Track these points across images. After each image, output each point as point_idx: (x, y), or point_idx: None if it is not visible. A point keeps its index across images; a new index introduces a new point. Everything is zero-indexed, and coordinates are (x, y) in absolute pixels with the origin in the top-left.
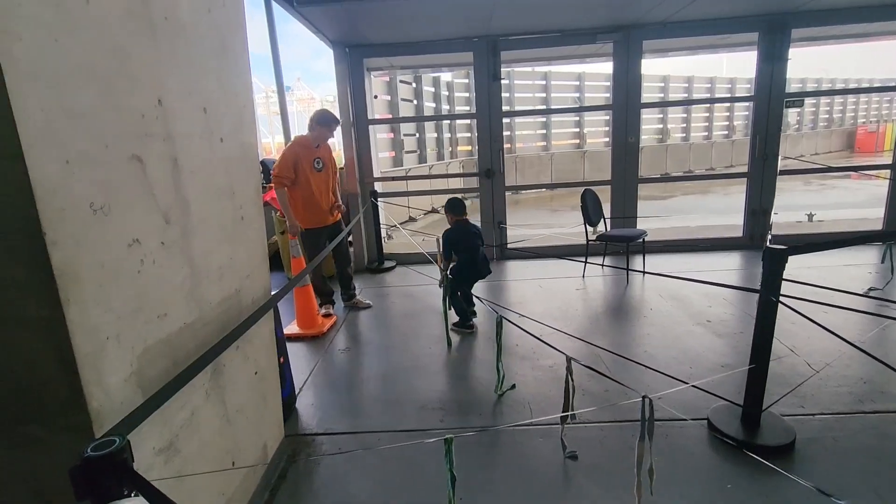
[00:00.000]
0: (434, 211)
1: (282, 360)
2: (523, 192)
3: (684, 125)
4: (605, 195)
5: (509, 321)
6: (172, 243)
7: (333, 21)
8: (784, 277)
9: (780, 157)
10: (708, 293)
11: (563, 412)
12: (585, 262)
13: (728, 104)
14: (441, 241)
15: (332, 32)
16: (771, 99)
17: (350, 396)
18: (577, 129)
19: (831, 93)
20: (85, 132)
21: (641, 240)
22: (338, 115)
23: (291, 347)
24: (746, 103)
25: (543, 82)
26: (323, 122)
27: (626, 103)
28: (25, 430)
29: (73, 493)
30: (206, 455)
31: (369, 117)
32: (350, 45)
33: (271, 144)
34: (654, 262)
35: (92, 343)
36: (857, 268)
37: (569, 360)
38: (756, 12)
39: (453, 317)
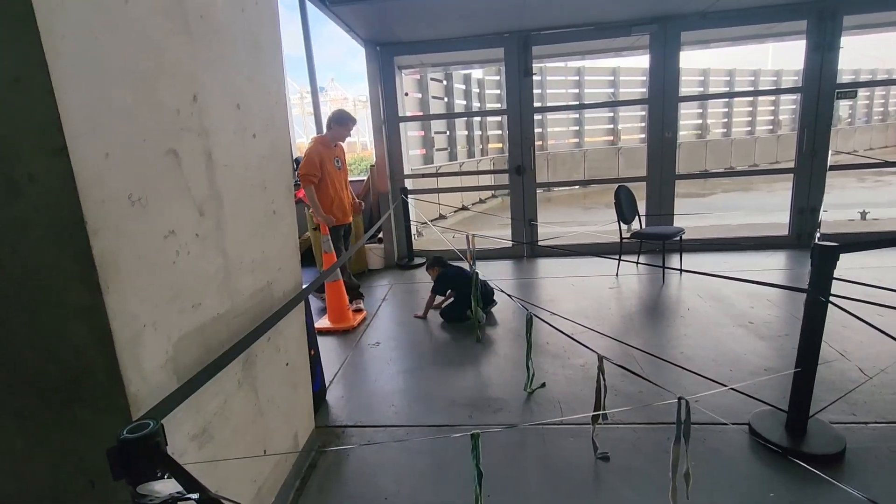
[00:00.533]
0: (464, 208)
1: (312, 352)
2: (555, 189)
3: (725, 120)
4: (640, 192)
5: (540, 318)
6: (207, 235)
7: (365, 19)
8: (834, 277)
9: (830, 152)
10: (750, 293)
11: (594, 411)
12: (619, 261)
13: (773, 97)
14: (437, 282)
15: (364, 31)
16: (820, 90)
17: (379, 390)
18: (612, 126)
19: (886, 83)
20: (124, 127)
21: (678, 238)
22: (370, 112)
23: (322, 341)
24: (793, 96)
25: (577, 78)
26: (340, 121)
27: (662, 97)
28: (71, 411)
29: (111, 473)
30: (238, 442)
31: (400, 115)
32: (381, 43)
33: (305, 144)
34: (692, 261)
35: (130, 330)
36: None
37: (600, 358)
38: None
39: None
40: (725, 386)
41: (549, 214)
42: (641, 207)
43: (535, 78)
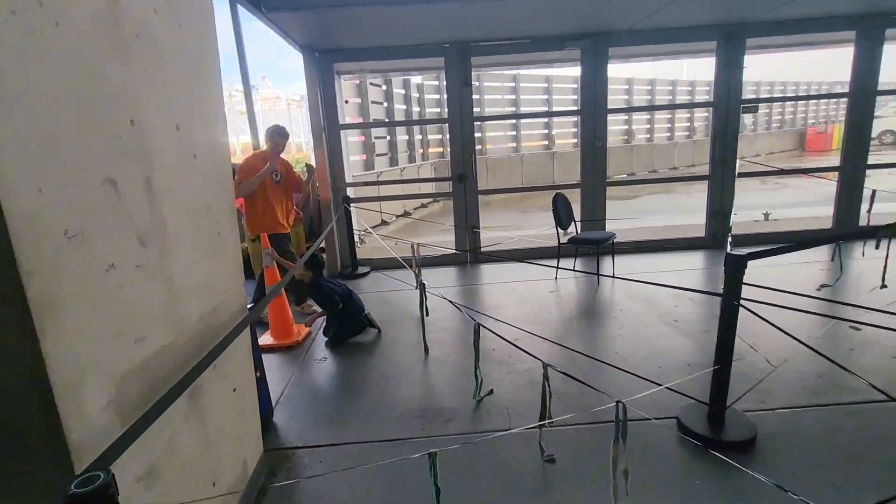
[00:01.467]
0: (406, 214)
1: (258, 374)
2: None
3: (648, 126)
4: (574, 196)
5: (485, 327)
6: (150, 265)
7: (303, 26)
8: (745, 282)
9: (738, 160)
10: (675, 293)
11: (540, 417)
12: (557, 266)
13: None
14: (321, 295)
15: (302, 37)
16: (729, 104)
17: (329, 407)
18: (546, 131)
19: (782, 99)
20: (59, 158)
21: (611, 242)
22: (310, 120)
23: (267, 359)
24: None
25: (513, 84)
26: (267, 134)
27: (593, 108)
28: (10, 464)
29: None
30: (187, 477)
31: (341, 122)
32: (320, 49)
33: (236, 145)
34: (624, 262)
35: (69, 374)
36: (809, 265)
37: (545, 366)
38: (714, 22)
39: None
40: (658, 385)
41: (488, 218)
42: (577, 212)
43: (473, 84)
